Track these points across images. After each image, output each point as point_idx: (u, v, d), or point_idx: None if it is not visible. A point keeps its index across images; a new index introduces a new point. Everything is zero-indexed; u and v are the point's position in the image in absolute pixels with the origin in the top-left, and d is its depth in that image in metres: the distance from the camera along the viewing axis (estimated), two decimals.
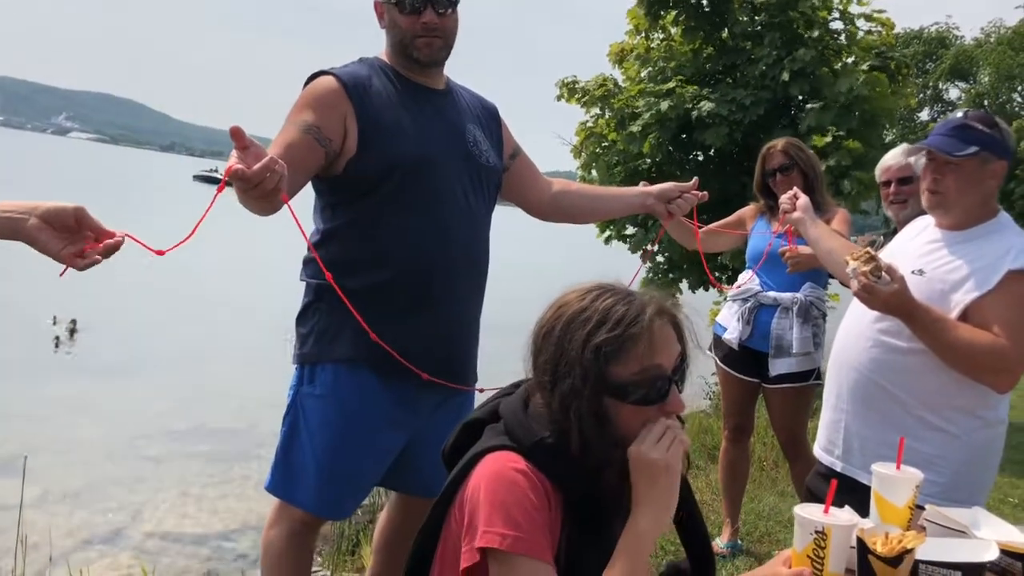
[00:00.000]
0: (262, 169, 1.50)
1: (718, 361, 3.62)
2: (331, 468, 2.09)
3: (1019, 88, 24.39)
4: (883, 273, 1.95)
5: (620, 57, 7.50)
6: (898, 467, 1.57)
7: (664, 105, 6.48)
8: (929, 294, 2.04)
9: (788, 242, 3.07)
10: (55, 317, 9.54)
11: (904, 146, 3.27)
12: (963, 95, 25.13)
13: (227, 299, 13.17)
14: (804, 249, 2.94)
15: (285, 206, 1.75)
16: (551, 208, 2.55)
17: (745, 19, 6.92)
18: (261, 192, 1.55)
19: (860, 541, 1.31)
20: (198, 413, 7.00)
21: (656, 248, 6.75)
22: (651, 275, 7.17)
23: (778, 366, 3.34)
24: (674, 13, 6.96)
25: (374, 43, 2.32)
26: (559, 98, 7.42)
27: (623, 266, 2.42)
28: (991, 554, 1.38)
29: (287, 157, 1.78)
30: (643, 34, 7.38)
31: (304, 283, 2.19)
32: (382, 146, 2.06)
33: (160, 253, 1.43)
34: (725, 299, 3.81)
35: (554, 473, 1.29)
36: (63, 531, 4.35)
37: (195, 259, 14.60)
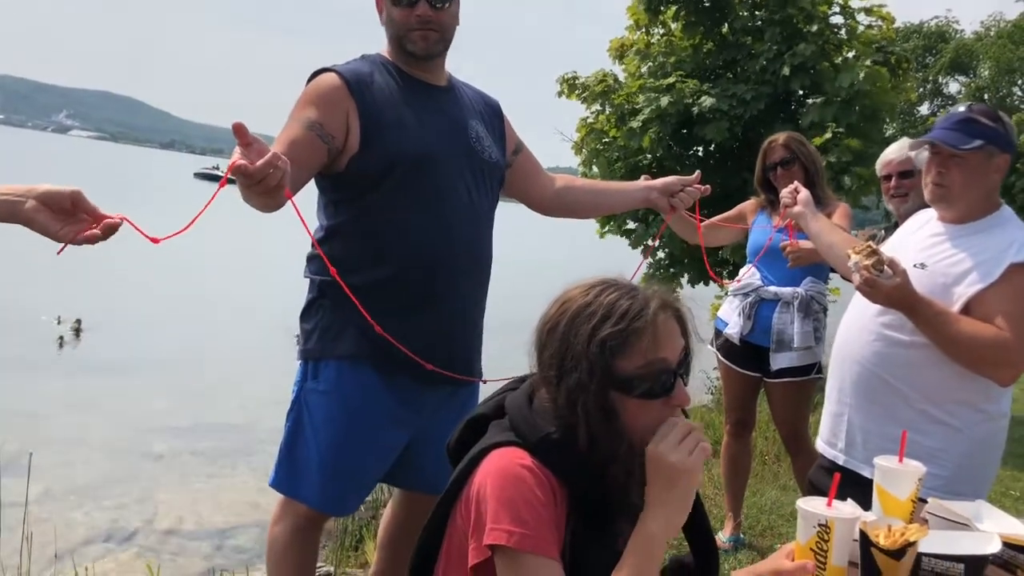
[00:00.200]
0: (265, 165, 1.50)
1: (720, 356, 3.62)
2: (335, 464, 2.09)
3: (1019, 82, 24.36)
4: (885, 267, 1.95)
5: (620, 53, 7.49)
6: (900, 460, 1.58)
7: (664, 100, 6.47)
8: (931, 287, 2.04)
9: (789, 236, 3.07)
10: (59, 317, 9.55)
11: (905, 140, 3.26)
12: (963, 89, 25.10)
13: (231, 296, 13.18)
14: (805, 243, 2.94)
15: (289, 202, 1.75)
16: (554, 204, 2.54)
17: (745, 14, 6.91)
18: (264, 188, 1.55)
19: (863, 534, 1.32)
20: (201, 410, 7.03)
21: (657, 244, 6.74)
22: (652, 270, 7.18)
23: (779, 360, 3.34)
24: (674, 8, 6.95)
25: (376, 40, 2.33)
26: (560, 94, 7.40)
27: (625, 262, 2.42)
28: (994, 547, 1.39)
29: (290, 154, 1.78)
30: (643, 29, 7.38)
31: (308, 279, 2.19)
32: (384, 143, 2.06)
33: (155, 241, 1.42)
34: (726, 294, 3.81)
35: (560, 469, 1.29)
36: (68, 528, 4.36)
37: (199, 257, 14.63)
